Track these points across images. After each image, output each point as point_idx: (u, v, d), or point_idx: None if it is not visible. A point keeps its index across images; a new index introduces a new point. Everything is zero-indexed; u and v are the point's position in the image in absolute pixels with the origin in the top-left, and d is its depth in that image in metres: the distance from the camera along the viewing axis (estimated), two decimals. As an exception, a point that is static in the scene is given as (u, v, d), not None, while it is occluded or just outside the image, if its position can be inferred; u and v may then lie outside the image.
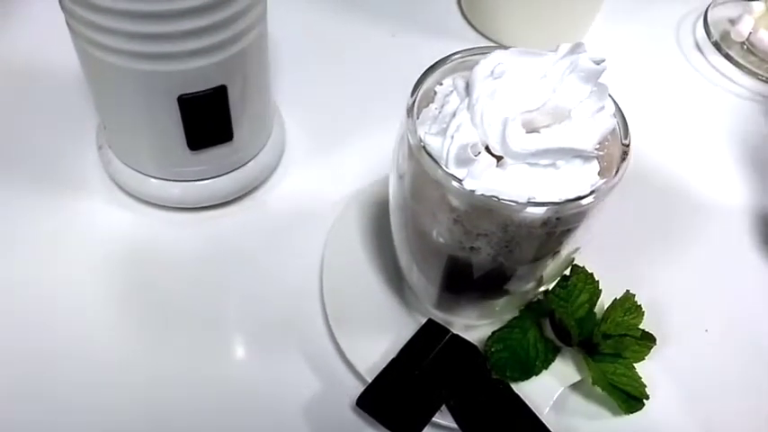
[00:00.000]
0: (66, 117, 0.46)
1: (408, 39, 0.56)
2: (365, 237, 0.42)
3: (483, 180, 0.27)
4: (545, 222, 0.28)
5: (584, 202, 0.28)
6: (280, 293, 0.40)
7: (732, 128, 0.53)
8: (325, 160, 0.47)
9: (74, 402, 0.36)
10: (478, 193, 0.27)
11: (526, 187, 0.27)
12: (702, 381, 0.39)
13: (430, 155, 0.29)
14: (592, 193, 0.28)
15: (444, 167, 0.28)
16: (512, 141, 0.27)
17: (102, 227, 0.42)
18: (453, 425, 0.35)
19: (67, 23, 0.35)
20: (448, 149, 0.28)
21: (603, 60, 0.29)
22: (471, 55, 0.31)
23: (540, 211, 0.27)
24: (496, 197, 0.27)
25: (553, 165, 0.28)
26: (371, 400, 0.35)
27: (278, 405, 0.36)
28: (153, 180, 0.41)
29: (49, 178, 0.44)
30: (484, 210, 0.28)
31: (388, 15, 0.57)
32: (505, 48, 0.30)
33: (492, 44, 0.55)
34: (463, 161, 0.27)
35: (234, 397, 0.36)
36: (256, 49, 0.37)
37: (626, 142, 0.29)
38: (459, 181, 0.27)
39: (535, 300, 0.37)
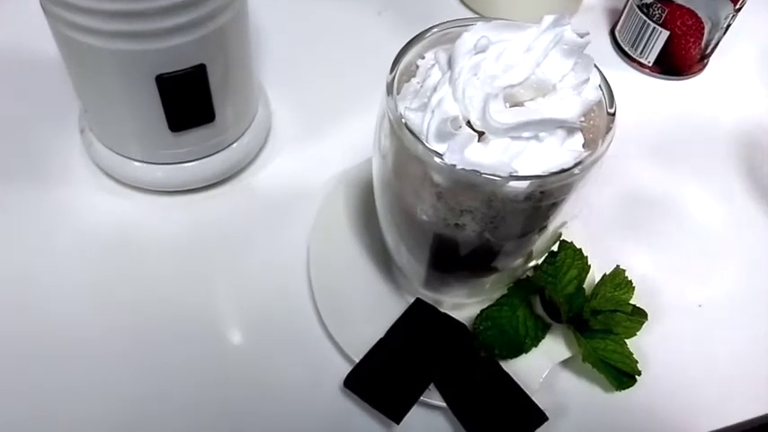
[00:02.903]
0: (47, 101, 0.45)
1: (395, 16, 0.55)
2: (352, 218, 0.41)
3: (464, 154, 0.26)
4: (529, 196, 0.28)
5: (568, 174, 0.27)
6: (267, 276, 0.40)
7: (724, 101, 0.53)
8: (311, 141, 0.46)
9: (62, 391, 0.35)
10: (459, 167, 0.26)
11: (509, 161, 0.27)
12: (696, 357, 0.39)
13: (411, 130, 0.28)
14: (576, 165, 0.27)
15: (425, 143, 0.27)
16: (492, 118, 0.26)
17: (86, 211, 0.41)
18: (442, 403, 0.34)
19: (41, 5, 0.34)
20: (428, 124, 0.27)
21: (587, 33, 0.28)
22: (452, 27, 0.31)
23: (523, 184, 0.27)
24: (478, 171, 0.26)
25: (536, 137, 0.27)
26: (359, 381, 0.34)
27: (266, 387, 0.36)
28: (136, 163, 0.40)
29: (30, 163, 0.43)
30: (466, 185, 0.27)
31: (374, -8, 0.56)
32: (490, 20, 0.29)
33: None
34: (444, 136, 0.27)
35: (221, 380, 0.36)
36: (235, 26, 0.36)
37: (611, 111, 0.29)
38: (440, 156, 0.27)
39: (524, 277, 0.37)
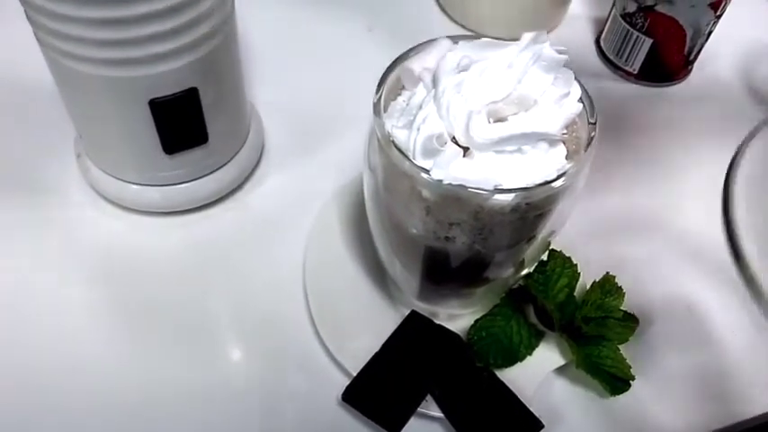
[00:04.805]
0: (44, 128, 0.46)
1: (386, 33, 0.56)
2: (346, 233, 0.42)
3: (450, 170, 0.27)
4: (515, 208, 0.28)
5: (552, 185, 0.28)
6: (264, 293, 0.40)
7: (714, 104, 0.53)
8: (304, 159, 0.47)
9: (60, 410, 0.36)
10: (446, 182, 0.27)
11: (494, 175, 0.27)
12: (688, 359, 0.39)
13: (398, 148, 0.29)
14: (560, 176, 0.28)
15: (412, 159, 0.28)
16: (476, 134, 0.27)
17: (84, 235, 0.42)
18: (439, 414, 0.35)
19: (35, 34, 0.35)
20: (415, 141, 0.28)
21: (566, 50, 0.29)
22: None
23: (509, 197, 0.27)
24: (464, 186, 0.27)
25: (519, 151, 0.28)
26: (357, 394, 0.35)
27: (265, 403, 0.36)
28: (132, 186, 0.41)
29: (28, 189, 0.44)
30: (453, 199, 0.28)
31: (363, 9, 0.57)
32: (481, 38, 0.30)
33: (466, 33, 0.55)
34: (430, 152, 0.28)
35: (220, 397, 0.36)
36: (225, 49, 0.37)
37: (592, 121, 0.29)
38: (427, 172, 0.28)
39: (516, 286, 0.37)
